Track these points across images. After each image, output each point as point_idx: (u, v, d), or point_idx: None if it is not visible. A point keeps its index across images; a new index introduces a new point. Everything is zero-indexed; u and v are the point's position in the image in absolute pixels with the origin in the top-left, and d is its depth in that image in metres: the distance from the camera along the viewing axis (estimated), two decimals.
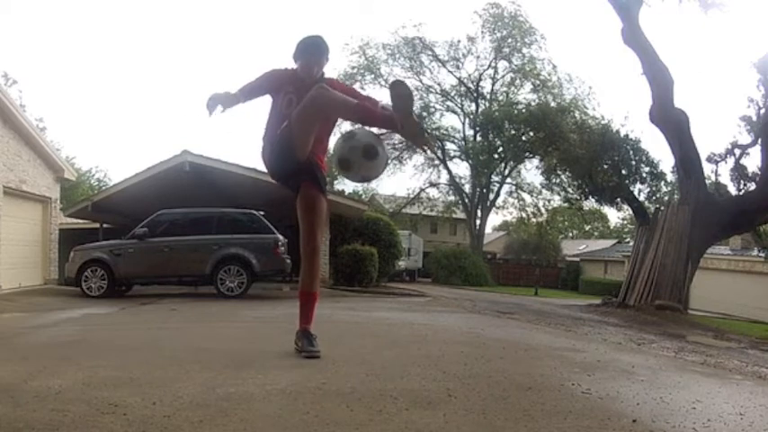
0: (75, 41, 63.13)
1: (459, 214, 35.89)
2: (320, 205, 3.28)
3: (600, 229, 50.40)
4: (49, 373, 2.77)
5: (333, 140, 3.14)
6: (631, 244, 19.95)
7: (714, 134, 60.19)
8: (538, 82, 32.73)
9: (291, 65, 3.31)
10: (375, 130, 3.07)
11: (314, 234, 3.27)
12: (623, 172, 16.16)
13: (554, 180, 22.71)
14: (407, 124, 2.93)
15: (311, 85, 3.21)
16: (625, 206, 17.94)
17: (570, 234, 50.67)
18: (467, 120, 34.44)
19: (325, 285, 13.08)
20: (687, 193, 13.66)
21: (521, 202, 34.69)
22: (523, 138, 30.10)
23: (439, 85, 34.29)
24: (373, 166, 3.01)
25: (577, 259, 36.57)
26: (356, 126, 3.10)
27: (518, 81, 33.79)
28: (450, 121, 50.60)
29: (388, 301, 10.75)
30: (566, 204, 22.25)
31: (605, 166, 16.06)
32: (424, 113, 34.28)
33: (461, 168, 35.59)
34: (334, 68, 32.36)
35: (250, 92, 3.21)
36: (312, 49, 3.20)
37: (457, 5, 57.51)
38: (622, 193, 16.09)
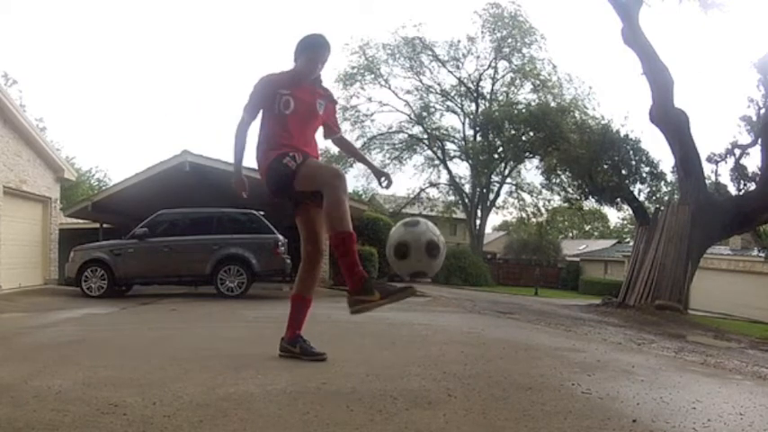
0: (75, 41, 63.21)
1: (459, 214, 35.88)
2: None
3: (600, 229, 50.39)
4: (49, 373, 2.77)
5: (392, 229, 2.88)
6: (631, 244, 19.95)
7: (714, 134, 60.26)
8: (538, 82, 32.73)
9: (288, 65, 3.30)
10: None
11: (322, 239, 3.29)
12: (623, 172, 16.16)
13: (554, 180, 22.70)
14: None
15: (309, 83, 3.23)
16: (625, 206, 17.93)
17: (570, 234, 50.66)
18: (467, 120, 34.46)
19: (324, 285, 13.07)
20: (687, 193, 13.66)
21: (521, 202, 34.71)
22: (523, 138, 30.09)
23: (439, 85, 34.34)
24: (429, 265, 2.83)
25: (577, 259, 36.56)
26: (424, 220, 2.96)
27: (518, 81, 33.79)
28: (450, 121, 50.65)
29: None
30: (566, 204, 22.24)
31: (605, 166, 16.06)
32: (425, 113, 34.32)
33: (461, 168, 35.66)
34: (334, 68, 32.40)
35: (254, 109, 3.23)
36: (317, 47, 3.21)
37: (457, 5, 57.53)
38: (622, 193, 16.08)
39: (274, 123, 3.20)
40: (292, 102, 3.17)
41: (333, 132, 3.47)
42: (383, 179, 3.46)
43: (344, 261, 2.82)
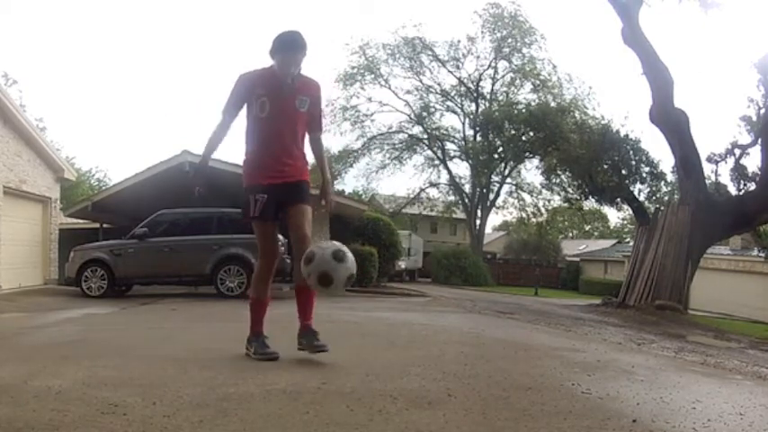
0: (75, 41, 63.22)
1: (459, 214, 35.89)
2: (311, 216, 3.34)
3: (600, 229, 50.39)
4: (49, 373, 2.77)
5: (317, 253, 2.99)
6: (631, 244, 19.95)
7: (714, 134, 60.17)
8: (538, 82, 32.73)
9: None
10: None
11: (309, 236, 3.32)
12: (623, 172, 16.15)
13: (554, 180, 22.70)
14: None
15: (286, 84, 3.16)
16: (625, 206, 17.93)
17: (570, 234, 50.66)
18: (467, 120, 34.46)
19: None
20: (687, 193, 13.65)
21: (521, 202, 34.73)
22: (523, 138, 30.11)
23: (439, 85, 34.35)
24: (344, 287, 3.10)
25: (577, 259, 36.55)
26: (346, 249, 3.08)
27: (518, 81, 33.80)
28: (450, 121, 50.64)
29: (388, 300, 10.74)
30: (566, 204, 22.24)
31: (605, 166, 16.05)
32: (425, 113, 34.32)
33: (461, 168, 35.66)
34: (334, 68, 32.39)
35: (232, 110, 3.22)
36: (288, 46, 3.11)
37: (457, 5, 57.55)
38: (622, 193, 16.08)
39: (251, 127, 3.23)
40: (268, 104, 3.13)
41: (310, 130, 3.35)
42: (323, 202, 3.46)
43: (250, 315, 3.36)
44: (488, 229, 38.95)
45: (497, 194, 34.18)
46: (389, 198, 36.45)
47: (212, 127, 3.26)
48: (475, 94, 34.03)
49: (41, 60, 55.52)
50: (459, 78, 33.89)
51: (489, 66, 33.45)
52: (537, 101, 31.04)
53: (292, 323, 3.38)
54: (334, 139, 34.28)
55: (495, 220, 45.01)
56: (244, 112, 3.26)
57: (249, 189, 3.25)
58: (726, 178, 15.25)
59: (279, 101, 3.15)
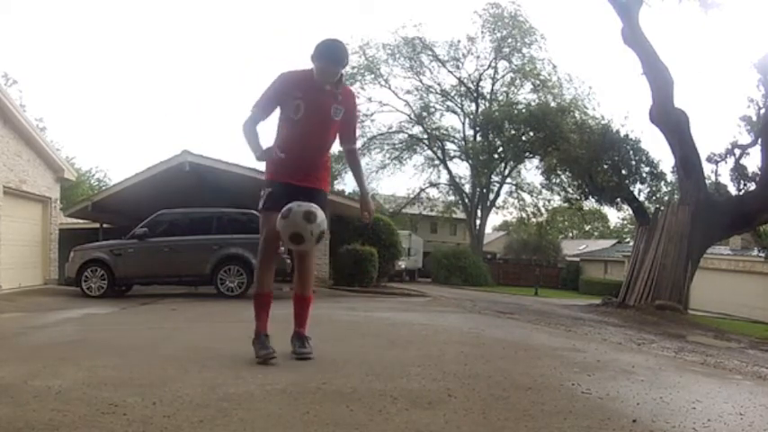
0: (75, 41, 63.23)
1: (460, 214, 35.90)
2: None
3: (600, 229, 50.40)
4: (49, 373, 2.77)
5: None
6: (631, 244, 19.95)
7: (714, 134, 60.22)
8: (538, 82, 32.73)
9: (301, 65, 3.25)
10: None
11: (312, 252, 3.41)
12: (623, 172, 16.15)
13: (554, 180, 22.72)
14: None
15: (325, 90, 3.15)
16: (625, 206, 17.93)
17: (570, 234, 50.68)
18: (467, 120, 34.47)
19: (325, 285, 13.08)
20: (687, 193, 13.65)
21: (521, 202, 34.75)
22: (523, 138, 30.12)
23: (439, 85, 34.36)
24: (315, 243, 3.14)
25: (577, 259, 36.56)
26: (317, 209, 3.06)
27: (518, 81, 33.81)
28: (450, 121, 50.70)
29: (388, 300, 10.74)
30: (566, 204, 22.25)
31: (605, 166, 16.05)
32: (425, 113, 34.32)
33: (461, 168, 35.68)
34: None
35: (266, 106, 3.20)
36: (327, 57, 3.08)
37: (457, 5, 57.59)
38: (622, 193, 16.08)
39: (282, 127, 3.22)
40: (303, 107, 3.12)
41: (344, 141, 3.40)
42: (365, 213, 3.48)
43: (254, 309, 3.31)
44: (488, 229, 38.99)
45: (497, 194, 34.23)
46: (389, 198, 36.44)
47: (243, 123, 3.17)
48: (475, 94, 34.04)
49: (41, 60, 55.58)
50: (459, 78, 33.93)
51: (489, 66, 33.50)
52: (537, 101, 31.06)
53: (292, 323, 3.38)
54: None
55: (495, 220, 45.09)
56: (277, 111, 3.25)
57: (264, 183, 3.30)
58: (726, 178, 15.28)
59: (315, 105, 3.14)
